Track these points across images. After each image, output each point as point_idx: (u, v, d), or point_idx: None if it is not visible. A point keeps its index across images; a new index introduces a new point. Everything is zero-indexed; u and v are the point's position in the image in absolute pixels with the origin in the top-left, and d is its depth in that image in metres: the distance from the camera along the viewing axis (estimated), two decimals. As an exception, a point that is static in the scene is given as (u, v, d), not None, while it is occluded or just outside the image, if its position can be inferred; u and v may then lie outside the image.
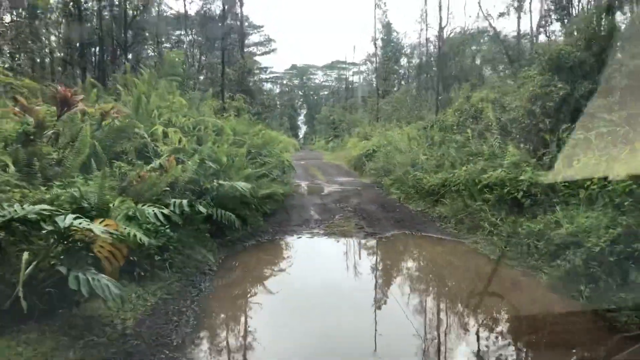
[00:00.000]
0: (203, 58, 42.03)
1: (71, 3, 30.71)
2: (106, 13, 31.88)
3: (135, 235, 5.50)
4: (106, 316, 4.62)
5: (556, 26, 22.18)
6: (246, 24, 44.78)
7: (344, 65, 71.14)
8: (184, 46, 41.84)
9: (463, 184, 10.36)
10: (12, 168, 6.29)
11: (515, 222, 8.24)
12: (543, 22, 23.51)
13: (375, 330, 5.19)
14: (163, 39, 40.50)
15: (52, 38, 36.04)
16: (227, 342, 5.08)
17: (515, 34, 32.16)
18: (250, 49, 51.58)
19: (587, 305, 5.48)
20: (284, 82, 76.25)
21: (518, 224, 8.11)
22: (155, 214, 5.91)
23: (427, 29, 42.67)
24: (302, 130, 73.31)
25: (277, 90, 71.72)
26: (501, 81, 14.96)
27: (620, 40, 10.59)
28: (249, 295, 6.47)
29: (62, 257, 4.48)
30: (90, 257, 4.96)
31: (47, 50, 36.16)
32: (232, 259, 7.86)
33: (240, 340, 5.21)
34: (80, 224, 4.47)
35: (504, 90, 13.90)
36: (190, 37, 46.83)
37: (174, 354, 4.34)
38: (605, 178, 7.14)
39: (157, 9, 36.87)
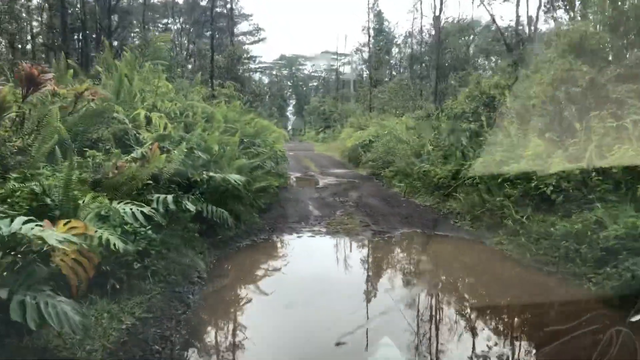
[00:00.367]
0: (191, 46, 40.72)
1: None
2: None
3: (108, 240, 4.47)
4: (67, 347, 3.58)
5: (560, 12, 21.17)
6: (235, 12, 43.47)
7: (333, 56, 70.28)
8: (172, 35, 40.44)
9: (479, 176, 9.40)
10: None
11: (544, 221, 7.31)
12: (546, 7, 22.42)
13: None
14: (150, 27, 39.13)
15: (35, 24, 34.65)
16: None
17: (511, 23, 31.15)
18: (239, 38, 50.33)
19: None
20: (273, 72, 75.11)
21: (549, 222, 7.18)
22: (133, 213, 4.87)
23: (421, 18, 41.26)
24: (291, 121, 72.34)
25: (266, 81, 70.59)
26: (510, 67, 13.94)
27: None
28: (246, 311, 5.44)
29: (4, 273, 3.43)
30: (51, 269, 3.96)
31: (28, 35, 34.69)
32: (224, 263, 6.83)
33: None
34: (31, 229, 3.43)
35: (514, 76, 12.95)
36: (178, 25, 45.45)
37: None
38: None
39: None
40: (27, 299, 3.12)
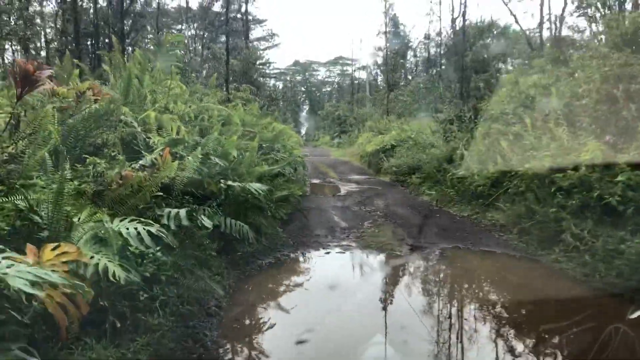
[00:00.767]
0: (205, 52, 40.12)
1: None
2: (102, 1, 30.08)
3: (107, 268, 3.62)
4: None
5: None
6: (249, 17, 42.88)
7: (347, 62, 69.85)
8: (186, 41, 39.90)
9: (525, 184, 8.44)
10: None
11: (611, 236, 6.33)
12: (577, 6, 21.34)
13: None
14: (163, 32, 38.59)
15: (48, 30, 34.35)
16: None
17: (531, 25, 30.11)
18: (254, 43, 49.70)
19: None
20: (287, 78, 74.76)
21: (617, 238, 6.20)
22: (138, 233, 4.00)
23: (440, 21, 40.19)
24: (305, 126, 71.89)
25: (280, 86, 70.27)
26: (548, 64, 12.93)
27: None
28: (273, 352, 4.51)
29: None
30: (33, 308, 3.13)
31: (42, 40, 34.38)
32: (246, 287, 5.93)
33: None
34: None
35: (554, 74, 11.95)
36: (192, 31, 44.93)
37: None
38: None
39: (157, 1, 34.88)
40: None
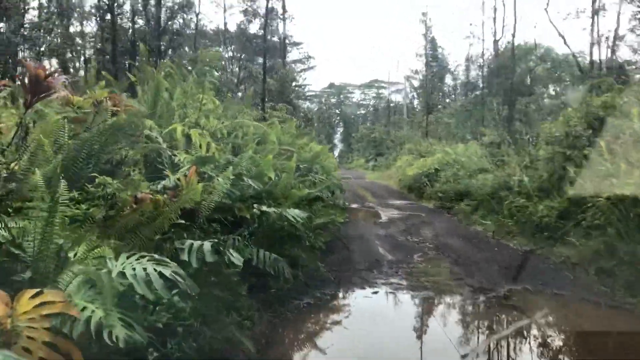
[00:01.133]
0: (242, 74, 39.91)
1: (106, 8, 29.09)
2: (140, 20, 30.17)
3: (101, 322, 2.71)
4: None
5: None
6: (287, 40, 42.63)
7: (383, 85, 69.28)
8: (223, 62, 39.73)
9: (605, 217, 7.27)
10: None
11: None
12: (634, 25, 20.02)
13: None
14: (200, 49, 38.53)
15: (87, 47, 34.83)
16: None
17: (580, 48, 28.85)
18: (290, 65, 49.42)
19: None
20: (322, 100, 74.56)
21: None
22: (147, 275, 3.09)
23: (483, 42, 38.91)
24: (338, 148, 71.43)
25: (315, 108, 70.07)
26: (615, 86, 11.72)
27: None
28: None
29: None
30: None
31: (81, 58, 34.84)
32: (281, 335, 4.94)
33: None
34: None
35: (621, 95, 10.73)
36: (230, 52, 44.90)
37: None
38: None
39: (195, 21, 34.91)
40: None
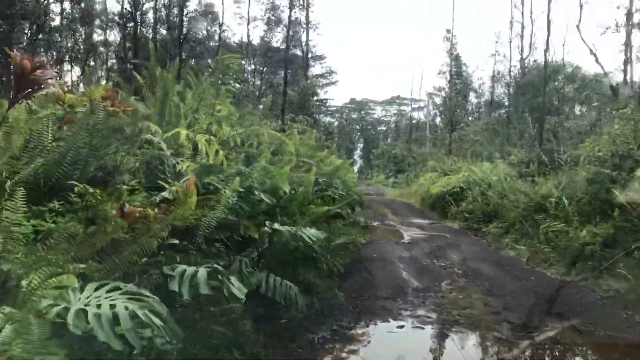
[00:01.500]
0: (264, 87, 39.57)
1: (129, 17, 29.03)
2: (162, 30, 30.05)
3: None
4: None
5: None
6: (310, 53, 42.23)
7: (405, 101, 68.67)
8: (245, 74, 39.50)
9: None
10: None
11: None
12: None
13: None
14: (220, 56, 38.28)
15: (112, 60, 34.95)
16: None
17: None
18: (312, 79, 49.00)
19: None
20: (343, 115, 74.12)
21: None
22: (115, 316, 2.36)
23: (510, 60, 37.90)
24: (358, 164, 70.82)
25: (336, 123, 69.69)
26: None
27: None
28: None
29: None
30: None
31: (104, 66, 34.89)
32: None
33: None
34: None
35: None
36: (253, 65, 44.64)
37: None
38: None
39: (218, 32, 34.74)
40: None
